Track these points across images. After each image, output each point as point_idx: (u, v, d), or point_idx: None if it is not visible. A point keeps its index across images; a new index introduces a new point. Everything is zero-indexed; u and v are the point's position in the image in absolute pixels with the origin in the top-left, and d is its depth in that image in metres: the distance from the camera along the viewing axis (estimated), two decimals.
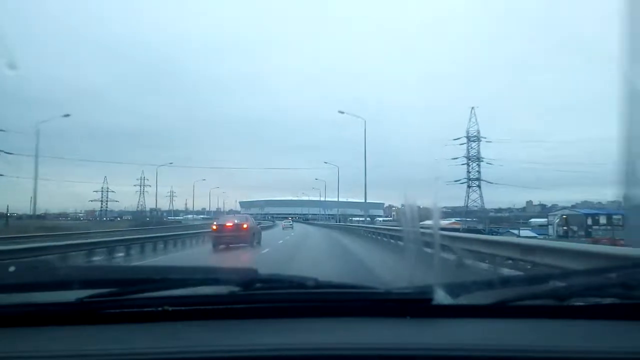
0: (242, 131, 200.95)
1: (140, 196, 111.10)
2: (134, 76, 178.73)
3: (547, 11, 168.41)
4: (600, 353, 1.29)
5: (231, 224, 22.24)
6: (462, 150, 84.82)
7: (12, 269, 1.86)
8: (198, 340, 1.41)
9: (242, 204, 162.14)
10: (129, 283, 1.73)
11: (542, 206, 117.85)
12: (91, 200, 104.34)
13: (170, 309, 1.63)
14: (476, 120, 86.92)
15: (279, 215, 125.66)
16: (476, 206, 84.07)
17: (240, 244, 21.08)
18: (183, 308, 1.66)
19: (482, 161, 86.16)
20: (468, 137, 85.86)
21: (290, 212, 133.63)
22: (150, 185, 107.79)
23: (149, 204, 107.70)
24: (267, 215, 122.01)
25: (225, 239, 21.20)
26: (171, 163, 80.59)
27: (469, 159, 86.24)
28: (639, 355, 1.30)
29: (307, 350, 1.31)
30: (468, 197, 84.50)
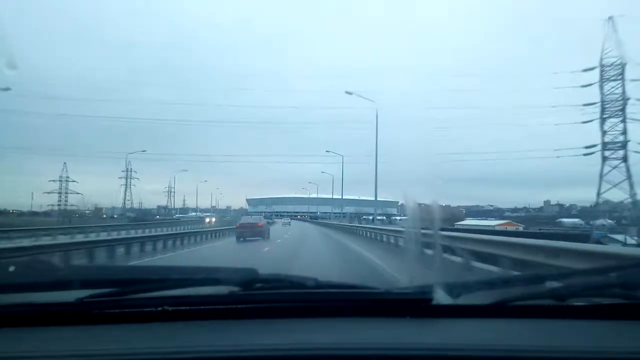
0: (253, 127, 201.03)
1: (126, 189, 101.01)
2: (144, 71, 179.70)
3: None
4: (600, 353, 1.30)
5: (250, 223, 30.73)
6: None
7: (12, 269, 1.87)
8: (198, 340, 1.41)
9: (249, 201, 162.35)
10: (129, 283, 1.73)
11: (560, 206, 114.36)
12: (46, 192, 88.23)
13: (170, 309, 1.63)
14: (617, 38, 45.44)
15: (288, 214, 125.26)
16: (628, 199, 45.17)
17: (257, 237, 28.31)
18: (183, 308, 1.66)
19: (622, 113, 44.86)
20: (602, 68, 45.97)
21: (298, 211, 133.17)
22: (138, 178, 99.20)
23: (147, 200, 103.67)
24: (273, 213, 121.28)
25: (246, 234, 28.88)
26: (144, 150, 77.20)
27: (604, 108, 45.67)
28: (639, 356, 1.30)
29: (307, 350, 1.31)
30: (602, 176, 45.73)
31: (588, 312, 1.65)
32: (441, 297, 1.62)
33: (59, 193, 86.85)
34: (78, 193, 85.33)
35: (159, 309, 1.63)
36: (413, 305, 1.65)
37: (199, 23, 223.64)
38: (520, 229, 54.65)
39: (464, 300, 1.65)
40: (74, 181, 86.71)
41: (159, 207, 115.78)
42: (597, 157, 47.16)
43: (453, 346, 1.33)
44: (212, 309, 1.67)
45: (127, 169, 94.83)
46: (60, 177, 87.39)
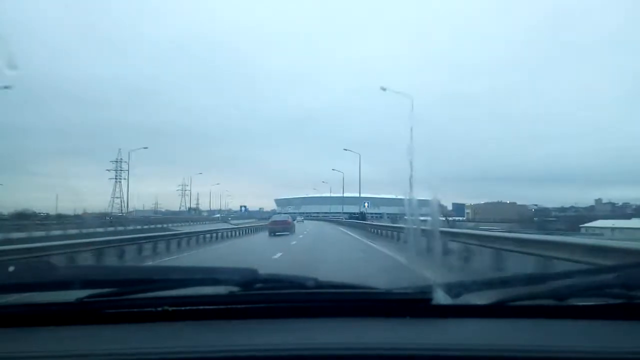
0: (286, 128, 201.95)
1: (115, 186, 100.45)
2: (178, 75, 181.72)
3: None
4: (600, 353, 1.29)
5: (280, 221, 38.83)
6: None
7: (12, 269, 1.91)
8: (198, 340, 1.42)
9: (277, 201, 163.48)
10: (129, 283, 1.74)
11: (612, 205, 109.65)
12: None
13: (170, 309, 1.64)
14: None
15: (317, 214, 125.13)
16: None
17: (286, 232, 35.94)
18: (183, 308, 1.67)
19: None
20: None
21: (327, 211, 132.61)
22: (126, 170, 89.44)
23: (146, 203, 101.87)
24: (301, 214, 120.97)
25: (277, 229, 36.61)
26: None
27: None
28: (639, 356, 1.28)
29: (307, 350, 1.31)
30: None
31: (588, 312, 1.64)
32: (441, 297, 1.62)
33: None
34: None
35: (159, 309, 1.64)
36: (413, 305, 1.65)
37: (229, 27, 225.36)
38: None
39: (463, 300, 1.65)
40: None
41: (189, 208, 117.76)
42: None
43: (453, 346, 1.32)
44: (212, 309, 1.68)
45: (116, 161, 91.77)
46: None
